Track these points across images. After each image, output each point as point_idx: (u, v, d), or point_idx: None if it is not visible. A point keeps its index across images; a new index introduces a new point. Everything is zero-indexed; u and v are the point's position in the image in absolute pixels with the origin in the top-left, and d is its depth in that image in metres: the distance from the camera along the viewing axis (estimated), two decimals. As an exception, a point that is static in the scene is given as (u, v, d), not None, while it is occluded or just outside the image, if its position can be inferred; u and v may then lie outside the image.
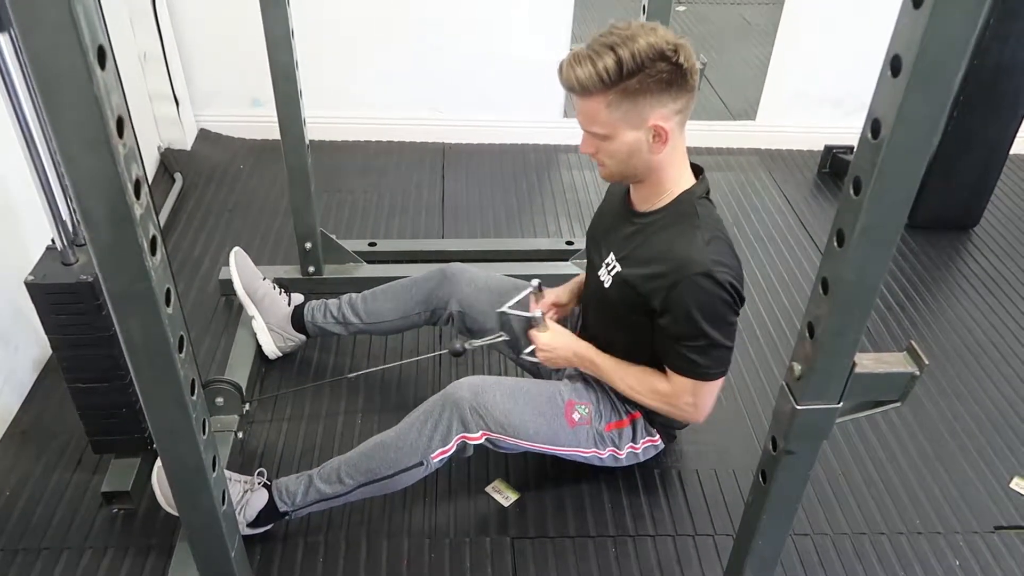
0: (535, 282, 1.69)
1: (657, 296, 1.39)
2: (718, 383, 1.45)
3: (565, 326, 1.66)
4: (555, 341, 1.57)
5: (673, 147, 1.37)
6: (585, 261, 1.69)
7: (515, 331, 1.72)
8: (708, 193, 1.46)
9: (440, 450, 1.49)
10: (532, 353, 1.60)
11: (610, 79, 1.28)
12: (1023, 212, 2.89)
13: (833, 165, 3.05)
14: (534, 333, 1.59)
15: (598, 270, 1.55)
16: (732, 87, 3.60)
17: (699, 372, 1.42)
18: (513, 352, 1.78)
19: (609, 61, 1.27)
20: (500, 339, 1.71)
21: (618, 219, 1.53)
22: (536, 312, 1.59)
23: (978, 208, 2.74)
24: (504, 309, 1.69)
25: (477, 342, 1.72)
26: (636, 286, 1.43)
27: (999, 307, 2.38)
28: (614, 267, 1.49)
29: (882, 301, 2.37)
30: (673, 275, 1.36)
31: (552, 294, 1.71)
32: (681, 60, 1.28)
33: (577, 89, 1.32)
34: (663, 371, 1.49)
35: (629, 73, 1.27)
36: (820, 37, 2.99)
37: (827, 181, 3.04)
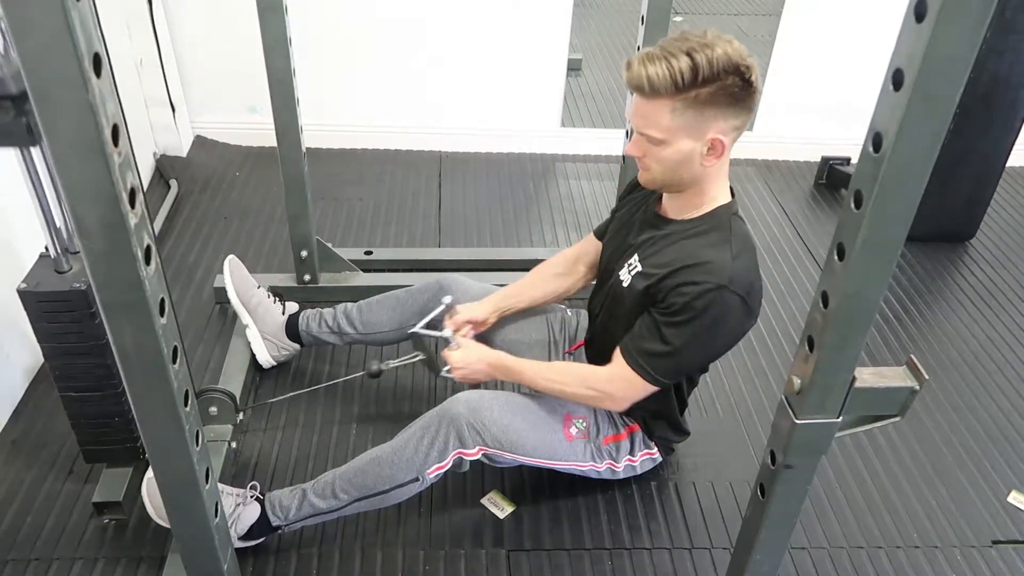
0: (447, 299, 1.71)
1: (664, 291, 1.36)
2: (651, 388, 1.43)
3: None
4: (467, 357, 1.57)
5: (722, 163, 1.36)
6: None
7: (430, 351, 1.73)
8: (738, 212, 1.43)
9: (436, 466, 1.47)
10: (449, 371, 1.61)
11: (683, 83, 1.24)
12: (1019, 224, 2.90)
13: (830, 176, 3.06)
14: (446, 353, 1.60)
15: (618, 271, 1.51)
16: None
17: (647, 371, 1.40)
18: (433, 371, 1.76)
19: (684, 64, 1.23)
20: (416, 359, 1.73)
21: (646, 226, 1.50)
22: (446, 332, 1.60)
23: (974, 220, 2.75)
24: (416, 329, 1.70)
25: (394, 362, 1.73)
26: (650, 282, 1.39)
27: (996, 319, 2.38)
28: (635, 267, 1.46)
29: (878, 314, 2.37)
30: (688, 275, 1.33)
31: (467, 311, 1.70)
32: (752, 78, 1.27)
33: (646, 89, 1.27)
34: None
35: (703, 81, 1.24)
36: (817, 48, 3.00)
37: (824, 192, 3.05)
